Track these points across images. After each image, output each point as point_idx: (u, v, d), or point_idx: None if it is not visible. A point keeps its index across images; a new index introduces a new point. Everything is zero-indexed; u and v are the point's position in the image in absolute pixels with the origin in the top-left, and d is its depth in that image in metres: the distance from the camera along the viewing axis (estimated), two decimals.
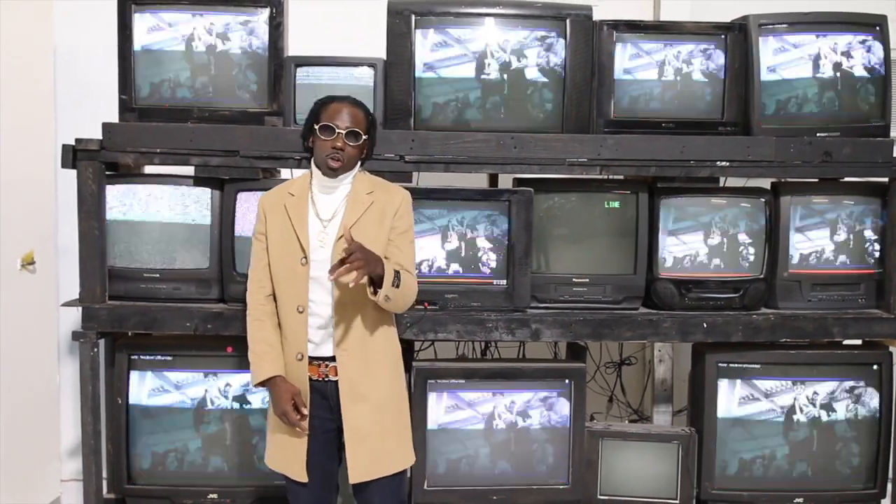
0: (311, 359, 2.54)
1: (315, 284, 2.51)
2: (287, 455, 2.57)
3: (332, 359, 2.53)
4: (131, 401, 3.22)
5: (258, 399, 3.22)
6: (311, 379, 2.54)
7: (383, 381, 2.57)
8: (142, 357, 3.22)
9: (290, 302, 2.53)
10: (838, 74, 3.26)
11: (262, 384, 2.56)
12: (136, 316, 3.13)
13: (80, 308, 3.13)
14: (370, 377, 2.54)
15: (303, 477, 2.55)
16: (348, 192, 2.55)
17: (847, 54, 3.26)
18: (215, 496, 3.22)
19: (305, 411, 2.51)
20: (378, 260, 2.42)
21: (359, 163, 2.59)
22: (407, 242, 2.60)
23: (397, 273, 2.45)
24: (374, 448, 2.53)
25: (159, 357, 3.23)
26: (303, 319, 2.52)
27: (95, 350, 3.12)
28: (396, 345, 2.65)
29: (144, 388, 3.22)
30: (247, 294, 2.65)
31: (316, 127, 2.51)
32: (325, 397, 2.55)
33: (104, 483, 3.25)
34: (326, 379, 2.54)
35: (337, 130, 2.47)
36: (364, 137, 2.52)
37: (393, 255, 2.55)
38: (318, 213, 2.54)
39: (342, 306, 2.50)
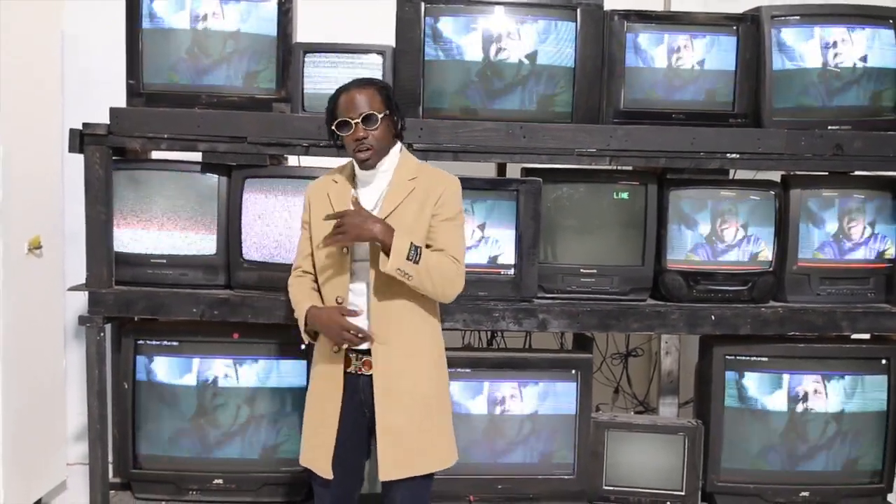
0: (346, 351, 2.46)
1: (356, 273, 2.46)
2: (315, 452, 2.50)
3: (367, 352, 2.45)
4: (137, 386, 3.22)
5: (264, 385, 3.22)
6: (345, 372, 2.46)
7: (422, 378, 2.47)
8: (148, 342, 3.23)
9: (331, 292, 2.48)
10: (850, 67, 3.23)
11: (308, 327, 2.47)
12: (142, 301, 3.13)
13: (86, 293, 3.13)
14: (408, 373, 2.45)
15: (328, 473, 2.47)
16: (390, 180, 2.48)
17: (860, 47, 3.23)
18: (220, 482, 3.23)
19: (357, 311, 2.41)
20: (376, 226, 2.32)
21: (397, 143, 2.50)
22: (452, 228, 2.47)
23: (416, 248, 2.35)
24: (407, 447, 2.44)
25: (165, 342, 3.23)
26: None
27: (102, 335, 3.13)
28: (439, 340, 2.56)
29: (150, 374, 3.23)
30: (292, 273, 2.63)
31: (333, 128, 2.44)
32: (357, 391, 2.47)
33: (110, 467, 3.26)
34: (360, 373, 2.47)
35: (352, 122, 2.39)
36: (382, 115, 2.40)
37: (434, 241, 2.45)
38: (361, 202, 2.46)
39: (380, 297, 2.42)
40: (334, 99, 2.46)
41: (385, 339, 2.43)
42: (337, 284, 2.47)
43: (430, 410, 2.49)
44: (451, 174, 2.55)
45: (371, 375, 2.45)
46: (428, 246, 2.45)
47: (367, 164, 2.44)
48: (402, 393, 2.45)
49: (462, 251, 2.51)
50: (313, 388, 2.56)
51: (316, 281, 2.56)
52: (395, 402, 2.44)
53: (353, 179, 2.53)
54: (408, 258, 2.34)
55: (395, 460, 2.44)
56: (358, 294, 2.47)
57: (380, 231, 2.35)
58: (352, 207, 2.37)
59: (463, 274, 2.49)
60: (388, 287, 2.42)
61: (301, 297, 2.52)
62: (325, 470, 2.48)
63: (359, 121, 2.39)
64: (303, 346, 2.60)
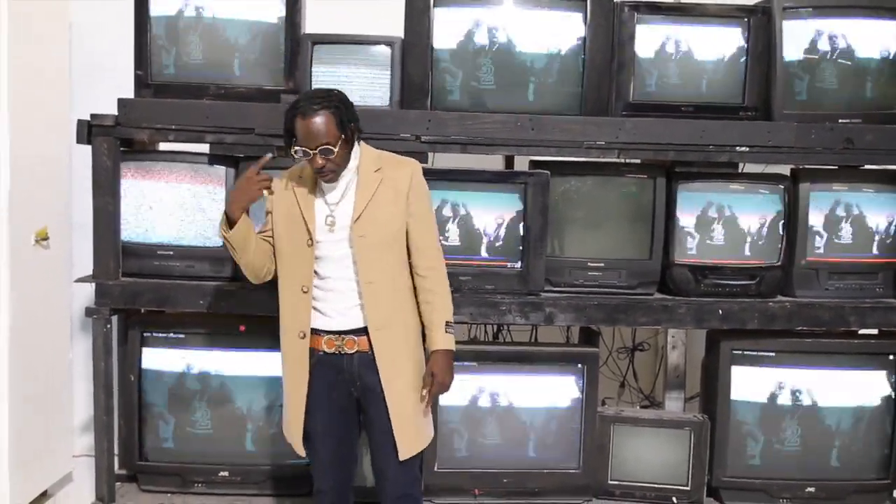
0: (324, 332, 2.54)
1: (326, 262, 2.51)
2: (289, 427, 2.61)
3: (350, 332, 2.53)
4: (144, 378, 3.22)
5: (270, 378, 3.22)
6: (324, 352, 2.54)
7: (414, 358, 2.59)
8: (154, 334, 3.23)
9: (294, 281, 2.54)
10: (862, 60, 3.22)
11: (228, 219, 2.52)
12: (149, 293, 3.12)
13: (93, 284, 3.13)
14: (405, 355, 2.56)
15: (300, 449, 2.59)
16: (354, 172, 2.53)
17: (871, 39, 3.21)
18: (226, 474, 3.23)
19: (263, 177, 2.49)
20: (446, 363, 2.56)
21: (356, 144, 2.54)
22: (428, 219, 2.61)
23: (446, 325, 2.57)
24: (415, 425, 2.57)
25: (172, 334, 3.24)
26: (306, 299, 2.52)
27: (108, 326, 3.13)
28: (419, 321, 2.64)
29: (157, 366, 3.23)
30: None
31: (292, 150, 2.45)
32: (341, 371, 2.55)
33: (116, 459, 3.26)
34: (342, 352, 2.54)
35: (310, 152, 2.41)
36: (339, 142, 2.43)
37: (415, 236, 2.56)
38: (325, 198, 2.53)
39: (370, 286, 2.50)
40: (291, 119, 2.45)
41: (380, 326, 2.52)
42: (302, 275, 2.52)
43: (419, 387, 2.58)
44: (411, 159, 2.63)
45: (354, 354, 2.54)
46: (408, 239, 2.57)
47: (329, 181, 2.50)
48: (405, 375, 2.55)
49: (436, 243, 2.65)
50: (286, 371, 2.62)
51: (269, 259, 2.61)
52: (401, 385, 2.54)
53: (312, 175, 2.54)
54: (453, 334, 2.59)
55: (410, 438, 2.55)
56: (335, 279, 2.52)
57: (442, 359, 2.57)
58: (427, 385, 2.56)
59: (442, 261, 2.64)
60: (376, 276, 2.51)
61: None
62: (297, 445, 2.59)
63: (316, 152, 2.41)
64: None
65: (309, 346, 2.54)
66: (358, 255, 2.49)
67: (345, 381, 2.56)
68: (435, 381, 2.54)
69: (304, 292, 2.52)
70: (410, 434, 2.54)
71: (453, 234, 3.16)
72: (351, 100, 2.53)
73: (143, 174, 3.18)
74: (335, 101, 2.46)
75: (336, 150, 2.43)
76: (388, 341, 2.53)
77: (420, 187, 2.58)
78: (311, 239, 2.50)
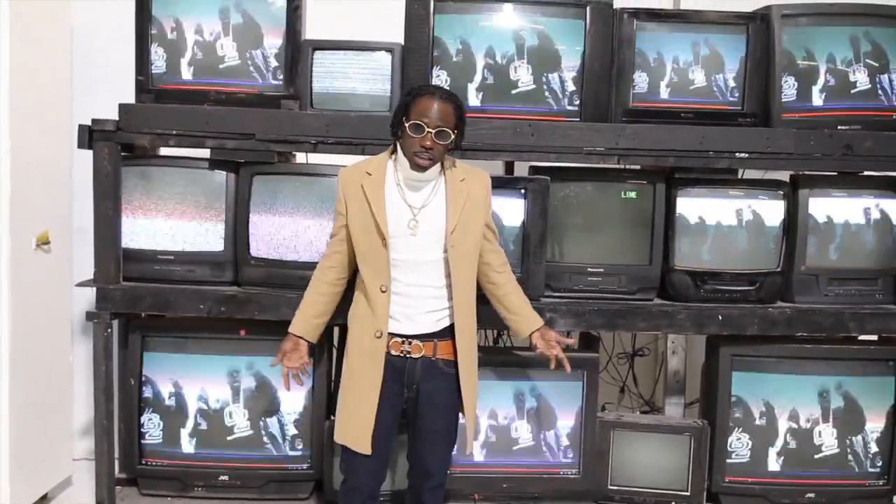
0: (392, 335, 2.60)
1: (402, 266, 2.58)
2: (354, 427, 2.63)
3: (416, 337, 2.62)
4: (144, 382, 3.23)
5: (270, 382, 3.23)
6: (389, 354, 2.61)
7: (475, 358, 2.73)
8: (155, 338, 3.23)
9: (374, 281, 2.59)
10: (861, 67, 3.22)
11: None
12: (149, 297, 3.13)
13: (94, 288, 3.13)
14: (472, 356, 2.70)
15: (367, 449, 2.61)
16: (438, 177, 2.61)
17: (871, 47, 3.21)
18: (226, 478, 3.24)
19: (303, 376, 2.76)
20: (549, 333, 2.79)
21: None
22: (492, 223, 2.76)
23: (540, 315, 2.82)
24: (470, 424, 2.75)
25: (172, 339, 3.24)
26: (385, 298, 2.58)
27: (109, 331, 3.13)
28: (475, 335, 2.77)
29: (157, 370, 3.23)
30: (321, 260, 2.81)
31: (406, 124, 2.53)
32: (402, 373, 2.62)
33: (116, 463, 3.26)
34: (407, 356, 2.61)
35: (426, 130, 2.49)
36: (454, 134, 2.55)
37: (491, 239, 2.73)
38: (406, 200, 2.59)
39: (459, 292, 2.60)
40: (414, 95, 2.56)
41: (464, 330, 2.65)
42: (379, 274, 2.58)
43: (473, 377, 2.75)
44: (482, 170, 2.74)
45: (419, 359, 2.63)
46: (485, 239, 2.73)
47: (420, 170, 2.55)
48: (472, 374, 2.69)
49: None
50: (356, 369, 2.66)
51: (355, 269, 2.70)
52: (471, 384, 2.68)
53: (385, 174, 2.62)
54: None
55: (472, 434, 2.77)
56: (406, 284, 2.60)
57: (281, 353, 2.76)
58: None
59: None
60: (465, 286, 2.63)
61: (305, 302, 2.77)
62: (363, 446, 2.61)
63: (433, 132, 2.49)
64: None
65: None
66: (452, 263, 2.58)
67: (401, 384, 2.63)
68: (559, 341, 2.75)
69: (383, 292, 2.58)
70: (473, 430, 2.75)
71: None
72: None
73: (144, 179, 3.19)
74: (460, 101, 2.59)
75: (450, 138, 2.53)
76: (464, 342, 2.64)
77: (491, 197, 2.75)
78: (384, 240, 2.56)
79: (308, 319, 2.75)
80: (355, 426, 2.62)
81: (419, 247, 2.58)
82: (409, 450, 2.78)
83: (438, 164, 2.60)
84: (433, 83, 3.03)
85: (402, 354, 2.61)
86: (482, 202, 2.66)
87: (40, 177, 3.38)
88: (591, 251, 3.26)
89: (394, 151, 2.65)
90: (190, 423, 3.24)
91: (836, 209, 3.28)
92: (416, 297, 2.60)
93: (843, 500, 3.32)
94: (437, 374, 2.64)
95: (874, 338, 3.42)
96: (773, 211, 3.26)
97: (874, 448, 3.33)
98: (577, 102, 3.17)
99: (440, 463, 2.72)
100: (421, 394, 2.64)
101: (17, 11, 3.14)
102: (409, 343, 2.62)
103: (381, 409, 2.61)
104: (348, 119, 3.10)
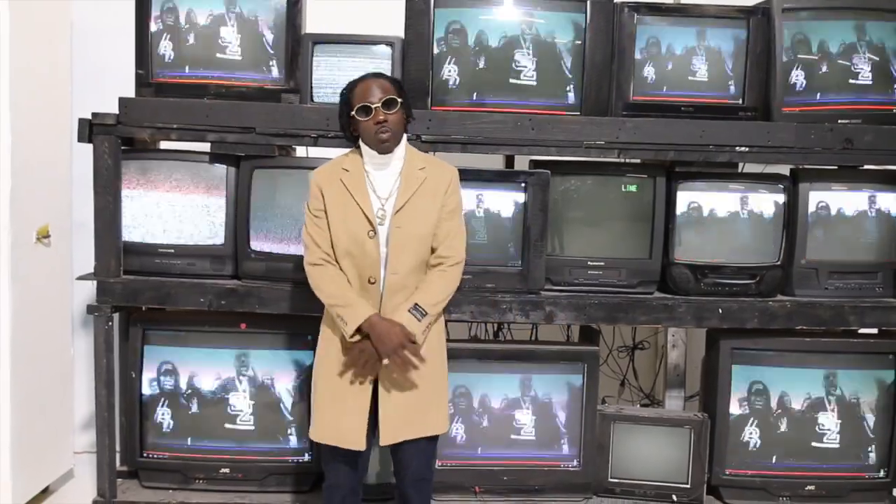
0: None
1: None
2: (345, 425, 2.57)
3: None
4: (145, 375, 3.24)
5: (271, 375, 3.24)
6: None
7: (428, 349, 2.60)
8: (156, 332, 3.24)
9: (361, 274, 2.56)
10: (862, 61, 3.22)
11: (358, 330, 2.54)
12: (150, 291, 3.14)
13: (94, 282, 3.14)
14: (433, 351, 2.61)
15: (361, 445, 2.57)
16: (402, 168, 2.59)
17: (872, 41, 3.21)
18: (227, 470, 3.24)
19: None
20: (393, 329, 2.49)
21: (405, 133, 2.61)
22: (455, 219, 2.64)
23: (416, 306, 2.52)
24: (410, 411, 2.58)
25: (173, 332, 3.25)
26: (375, 290, 2.56)
27: (110, 324, 3.14)
28: (441, 317, 2.68)
29: (158, 363, 3.24)
30: (307, 264, 2.62)
31: (353, 114, 2.54)
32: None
33: (117, 456, 3.28)
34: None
35: (373, 106, 2.50)
36: (400, 101, 2.54)
37: (443, 236, 2.59)
38: (376, 191, 2.58)
39: (393, 277, 2.54)
40: (350, 88, 2.58)
41: (391, 316, 2.54)
42: (368, 266, 2.55)
43: (432, 378, 2.62)
44: (451, 165, 2.68)
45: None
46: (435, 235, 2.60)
47: (387, 147, 2.54)
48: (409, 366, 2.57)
49: (462, 241, 2.66)
50: (339, 368, 2.59)
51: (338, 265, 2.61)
52: (403, 376, 2.57)
53: (363, 170, 2.60)
54: (418, 320, 2.52)
55: (400, 423, 2.57)
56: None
57: (398, 329, 2.51)
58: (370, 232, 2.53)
59: (461, 260, 2.64)
60: (402, 271, 2.54)
61: (348, 295, 2.55)
62: (357, 442, 2.57)
63: (379, 105, 2.50)
64: (351, 339, 2.56)
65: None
66: (391, 244, 2.53)
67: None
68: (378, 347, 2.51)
69: (372, 283, 2.56)
70: (397, 420, 2.56)
71: None
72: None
73: (144, 173, 3.19)
74: (394, 77, 2.65)
75: (399, 105, 2.52)
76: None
77: (457, 192, 2.65)
78: (373, 230, 2.53)
79: (350, 289, 2.58)
80: (343, 423, 2.57)
81: (384, 235, 2.56)
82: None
83: (402, 150, 2.59)
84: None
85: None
86: (440, 193, 2.59)
87: (41, 171, 3.38)
88: (592, 245, 3.26)
89: (358, 150, 2.63)
90: (191, 416, 3.25)
91: (836, 203, 3.28)
92: (385, 289, 2.56)
93: (842, 493, 3.33)
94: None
95: (874, 331, 3.43)
96: (773, 205, 3.27)
97: (874, 440, 3.33)
98: (578, 96, 3.17)
99: (418, 455, 2.64)
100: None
101: (17, 6, 3.14)
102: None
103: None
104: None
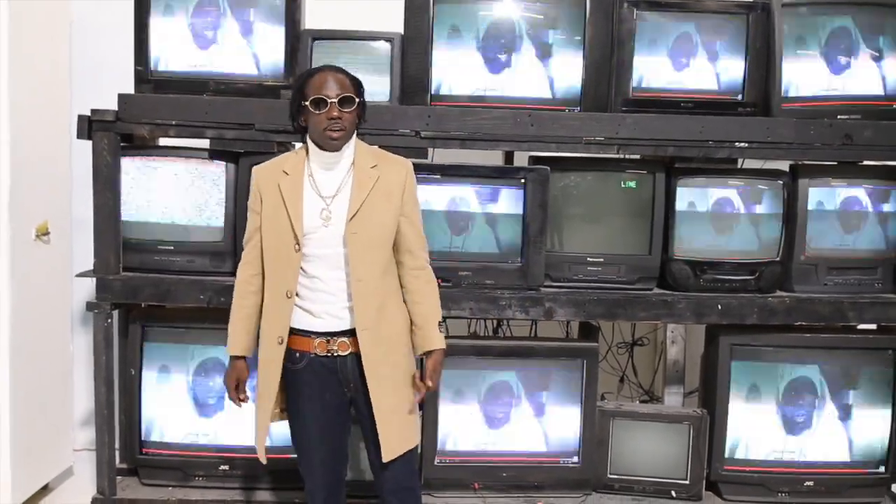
0: (315, 334, 2.47)
1: (317, 261, 2.45)
2: (260, 433, 2.59)
3: (343, 333, 2.47)
4: (144, 371, 3.23)
5: None
6: (315, 354, 2.48)
7: (402, 360, 2.53)
8: (155, 328, 3.24)
9: (279, 286, 2.47)
10: (861, 57, 3.22)
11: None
12: (149, 287, 3.13)
13: (94, 279, 3.14)
14: (391, 356, 2.50)
15: (262, 457, 2.61)
16: (350, 166, 2.47)
17: (872, 36, 3.21)
18: (226, 468, 3.25)
19: (243, 397, 2.61)
20: (437, 359, 2.53)
21: (355, 131, 2.51)
22: (416, 221, 2.56)
23: (440, 323, 2.55)
24: (401, 424, 2.52)
25: (172, 329, 3.25)
26: (289, 305, 2.46)
27: (109, 321, 3.14)
28: (408, 321, 2.59)
29: (157, 360, 3.24)
30: (238, 265, 2.61)
31: (306, 103, 2.40)
32: (334, 372, 2.49)
33: (117, 453, 3.27)
34: (335, 354, 2.47)
35: (329, 100, 2.37)
36: (357, 101, 2.43)
37: (407, 236, 2.52)
38: (320, 192, 2.46)
39: (359, 284, 2.44)
40: (307, 77, 2.45)
41: (367, 325, 2.45)
42: (287, 280, 2.46)
43: (408, 389, 2.56)
44: (405, 159, 2.58)
45: (348, 356, 2.48)
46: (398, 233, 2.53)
47: (335, 146, 2.43)
48: (389, 375, 2.50)
49: (425, 243, 2.60)
50: (261, 376, 2.57)
51: (260, 274, 2.55)
52: (385, 385, 2.49)
53: (304, 171, 2.49)
54: (442, 333, 2.56)
55: (398, 438, 2.50)
56: (327, 280, 2.46)
57: (439, 358, 2.55)
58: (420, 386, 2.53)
59: (429, 264, 2.61)
60: (365, 274, 2.45)
61: (237, 330, 2.59)
62: (260, 453, 2.60)
63: (335, 101, 2.38)
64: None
65: (294, 349, 2.48)
66: (350, 252, 2.42)
67: (338, 382, 2.50)
68: (433, 380, 2.52)
69: (288, 297, 2.46)
70: (395, 436, 2.49)
71: (453, 230, 3.16)
72: None
73: (144, 169, 3.19)
74: (352, 75, 2.48)
75: (355, 104, 2.41)
76: (375, 342, 2.46)
77: (413, 187, 2.55)
78: (297, 244, 2.43)
79: (249, 336, 2.59)
80: (260, 433, 2.58)
81: (331, 237, 2.44)
82: (367, 452, 2.62)
83: (352, 147, 2.48)
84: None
85: (328, 353, 2.47)
86: (396, 191, 2.48)
87: (40, 167, 3.37)
88: (591, 241, 3.26)
89: (307, 150, 2.52)
90: (190, 413, 3.25)
91: (835, 198, 3.28)
92: (333, 293, 2.45)
93: (842, 489, 3.33)
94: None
95: (873, 327, 3.43)
96: (772, 200, 3.27)
97: (873, 437, 3.33)
98: (577, 92, 3.17)
99: (404, 465, 2.54)
100: (358, 391, 2.50)
101: (16, 3, 3.13)
102: (335, 341, 2.47)
103: (325, 411, 2.52)
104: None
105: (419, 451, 2.67)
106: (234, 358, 2.60)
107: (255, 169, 2.57)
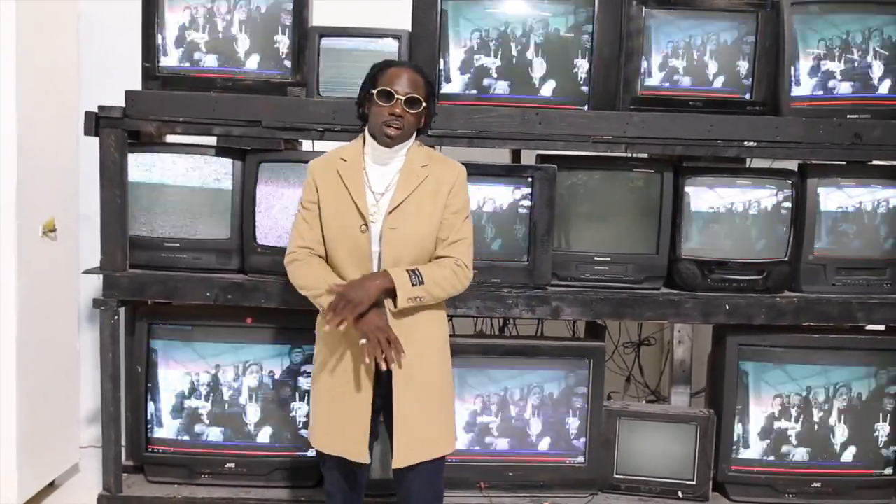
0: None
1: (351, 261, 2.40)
2: (346, 436, 2.43)
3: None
4: (150, 369, 3.23)
5: (276, 370, 3.23)
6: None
7: (432, 364, 2.46)
8: (162, 326, 3.24)
9: (353, 272, 2.39)
10: (871, 56, 3.20)
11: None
12: (156, 285, 3.13)
13: (100, 276, 3.14)
14: (423, 362, 2.42)
15: (365, 458, 2.43)
16: (402, 165, 2.44)
17: (881, 35, 3.19)
18: (233, 466, 3.24)
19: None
20: (374, 281, 2.32)
21: (415, 133, 2.49)
22: (461, 220, 2.47)
23: (415, 271, 2.36)
24: (419, 433, 2.43)
25: (179, 326, 3.25)
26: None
27: (116, 318, 3.14)
28: (446, 327, 2.54)
29: (164, 357, 3.24)
30: (286, 264, 2.50)
31: (373, 92, 2.38)
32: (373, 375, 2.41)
33: (123, 450, 3.28)
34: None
35: (396, 96, 2.35)
36: (424, 105, 2.40)
37: (446, 235, 2.44)
38: (371, 186, 2.43)
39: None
40: (380, 68, 2.43)
41: (401, 331, 2.37)
42: (359, 263, 2.40)
43: (440, 396, 2.49)
44: (458, 163, 2.53)
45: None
46: (438, 238, 2.45)
47: (389, 142, 2.40)
48: (418, 382, 2.42)
49: (469, 244, 2.50)
50: (335, 375, 2.45)
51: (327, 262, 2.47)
52: (412, 391, 2.42)
53: (362, 161, 2.46)
54: (412, 284, 2.34)
55: (408, 447, 2.43)
56: None
57: (380, 281, 2.34)
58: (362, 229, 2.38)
59: (469, 268, 2.47)
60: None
61: (323, 282, 2.39)
62: (360, 454, 2.43)
63: (402, 98, 2.36)
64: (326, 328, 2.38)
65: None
66: (385, 247, 2.38)
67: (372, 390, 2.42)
68: (346, 292, 2.31)
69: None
70: (410, 442, 2.41)
71: None
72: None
73: (151, 166, 3.19)
74: (431, 77, 2.46)
75: (420, 107, 2.38)
76: (407, 346, 2.35)
77: (462, 191, 2.48)
78: (364, 224, 2.38)
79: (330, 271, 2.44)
80: (344, 433, 2.43)
81: (374, 236, 2.39)
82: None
83: (406, 145, 2.44)
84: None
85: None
86: (443, 191, 2.42)
87: (47, 164, 3.38)
88: (599, 240, 3.25)
89: (364, 140, 2.49)
90: (196, 411, 3.25)
91: (844, 198, 3.27)
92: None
93: (849, 490, 3.32)
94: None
95: (882, 328, 3.41)
96: (781, 200, 3.25)
97: (881, 438, 3.32)
98: (585, 90, 3.16)
99: (428, 476, 2.46)
100: (388, 393, 2.41)
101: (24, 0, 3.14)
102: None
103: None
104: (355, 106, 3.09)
105: (444, 461, 2.55)
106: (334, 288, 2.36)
107: (311, 163, 2.53)
